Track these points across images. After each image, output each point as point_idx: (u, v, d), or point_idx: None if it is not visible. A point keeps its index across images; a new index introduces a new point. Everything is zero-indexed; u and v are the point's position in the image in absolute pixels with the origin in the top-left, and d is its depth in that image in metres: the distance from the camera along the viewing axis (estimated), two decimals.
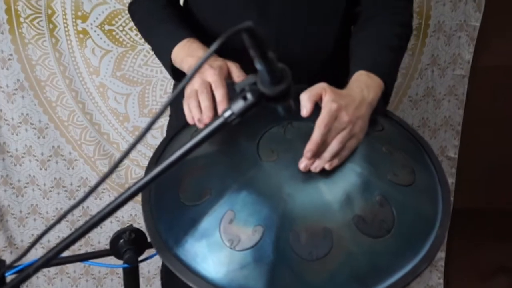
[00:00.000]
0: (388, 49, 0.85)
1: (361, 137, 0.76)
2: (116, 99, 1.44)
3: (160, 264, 1.52)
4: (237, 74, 0.80)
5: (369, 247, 0.68)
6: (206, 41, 0.87)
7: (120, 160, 0.55)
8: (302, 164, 0.73)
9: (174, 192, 0.75)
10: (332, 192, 0.71)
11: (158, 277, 1.58)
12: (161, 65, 1.41)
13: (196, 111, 0.77)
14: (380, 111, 0.85)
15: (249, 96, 0.51)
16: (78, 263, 0.93)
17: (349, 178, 0.73)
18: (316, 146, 0.72)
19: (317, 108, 0.74)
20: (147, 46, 1.39)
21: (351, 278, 0.67)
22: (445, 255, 1.71)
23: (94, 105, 1.45)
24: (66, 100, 1.44)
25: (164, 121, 1.36)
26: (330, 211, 0.69)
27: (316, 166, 0.73)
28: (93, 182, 1.53)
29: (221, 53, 0.82)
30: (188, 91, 0.80)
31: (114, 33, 1.37)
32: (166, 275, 1.15)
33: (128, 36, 1.38)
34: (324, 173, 0.73)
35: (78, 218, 1.56)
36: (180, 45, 0.88)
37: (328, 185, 0.72)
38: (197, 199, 0.72)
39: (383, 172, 0.74)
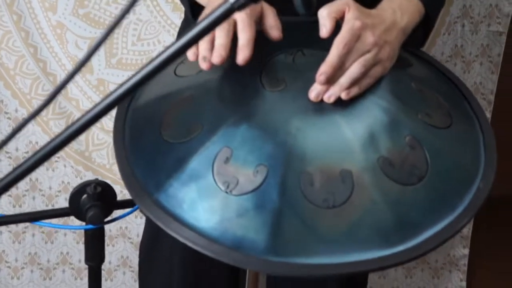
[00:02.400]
0: None
1: (387, 66, 0.75)
2: (77, 43, 1.41)
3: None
4: (272, 21, 0.76)
5: (397, 196, 0.68)
6: None
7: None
8: (314, 92, 0.72)
9: (155, 128, 0.74)
10: (352, 127, 0.70)
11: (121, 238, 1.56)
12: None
13: (206, 46, 0.73)
14: (416, 43, 0.84)
15: None
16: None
17: (373, 113, 0.72)
18: (332, 68, 0.70)
19: (339, 30, 0.73)
20: None
21: (373, 233, 0.66)
22: (469, 252, 1.72)
23: (48, 50, 1.42)
24: (13, 42, 1.40)
25: None
26: (350, 150, 0.68)
27: (331, 94, 0.72)
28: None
29: None
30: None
31: None
32: (149, 238, 1.12)
33: None
34: (341, 105, 0.72)
35: (24, 192, 1.53)
36: None
37: (347, 119, 0.71)
38: (184, 136, 0.71)
39: (413, 110, 0.74)
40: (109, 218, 0.84)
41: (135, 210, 0.84)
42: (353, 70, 0.72)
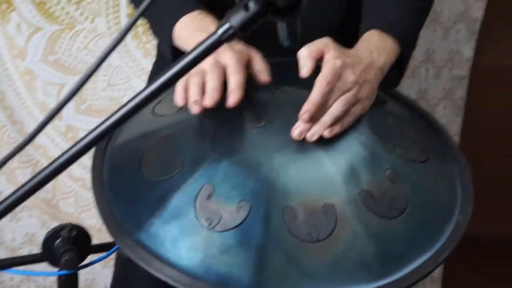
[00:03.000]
0: (406, 5, 0.86)
1: (367, 105, 0.77)
2: (46, 90, 1.40)
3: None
4: (260, 65, 0.77)
5: (379, 229, 0.68)
6: (217, 15, 0.84)
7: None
8: (297, 130, 0.72)
9: (134, 167, 0.74)
10: (333, 162, 0.71)
11: None
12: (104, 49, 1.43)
13: (196, 90, 0.74)
14: (392, 82, 0.86)
15: (252, 5, 0.51)
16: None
17: (353, 147, 0.73)
18: (315, 106, 0.72)
19: (318, 71, 0.74)
20: (88, 26, 1.38)
21: (357, 265, 0.66)
22: None
23: (16, 97, 1.40)
24: None
25: None
26: (332, 184, 0.69)
27: (314, 133, 0.73)
28: None
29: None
30: (193, 70, 0.77)
31: (47, 6, 1.34)
32: (120, 277, 1.10)
33: (65, 10, 1.36)
34: (322, 141, 0.73)
35: None
36: (188, 17, 0.84)
37: (328, 154, 0.72)
38: (165, 173, 0.71)
39: (391, 144, 0.75)
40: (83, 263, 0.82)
41: (110, 254, 0.82)
42: (336, 108, 0.73)
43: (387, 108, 0.84)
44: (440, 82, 1.62)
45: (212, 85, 0.74)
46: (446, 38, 1.57)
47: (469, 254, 1.70)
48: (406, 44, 0.85)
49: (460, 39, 1.57)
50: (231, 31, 0.50)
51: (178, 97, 0.76)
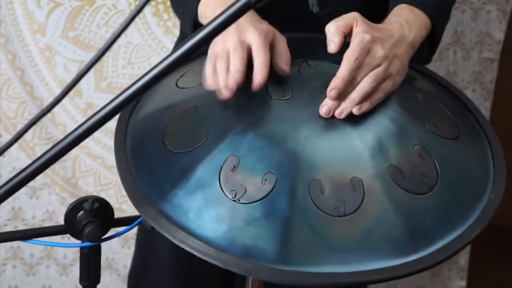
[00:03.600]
0: None
1: (398, 81, 0.76)
2: (66, 67, 1.41)
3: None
4: (282, 53, 0.76)
5: (408, 205, 0.68)
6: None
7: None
8: (325, 107, 0.72)
9: (158, 139, 0.74)
10: (360, 136, 0.71)
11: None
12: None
13: (224, 75, 0.73)
14: (424, 58, 0.85)
15: None
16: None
17: (381, 122, 0.73)
18: (343, 83, 0.71)
19: (346, 47, 0.74)
20: (109, 2, 1.38)
21: (385, 241, 0.66)
22: (466, 284, 1.71)
23: (36, 73, 1.41)
24: None
25: None
26: (360, 158, 0.69)
27: (342, 110, 0.72)
28: None
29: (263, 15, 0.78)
30: (216, 48, 0.76)
31: None
32: (137, 270, 1.11)
33: None
34: (350, 116, 0.73)
35: (6, 222, 1.50)
36: None
37: (355, 128, 0.72)
38: (189, 145, 0.72)
39: (420, 120, 0.75)
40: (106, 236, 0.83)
41: (133, 226, 0.83)
42: (365, 84, 0.73)
43: (417, 85, 0.83)
44: (469, 65, 1.60)
45: (235, 67, 0.73)
46: (475, 20, 1.55)
47: (495, 244, 1.69)
48: (438, 19, 0.83)
49: (491, 20, 1.55)
50: None
51: (209, 81, 0.76)
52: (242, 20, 0.77)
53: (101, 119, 0.58)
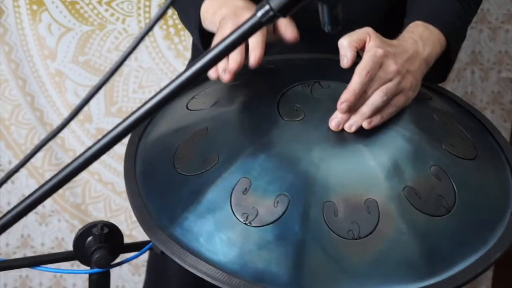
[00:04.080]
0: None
1: (410, 96, 0.77)
2: (76, 92, 1.44)
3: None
4: (285, 25, 0.79)
5: (425, 227, 0.68)
6: None
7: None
8: (334, 120, 0.73)
9: (168, 162, 0.74)
10: (375, 157, 0.71)
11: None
12: (136, 50, 1.45)
13: (223, 60, 0.76)
14: (439, 77, 0.85)
15: None
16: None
17: (396, 142, 0.73)
18: (354, 96, 0.72)
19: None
20: (119, 26, 1.41)
21: (401, 264, 0.66)
22: None
23: (46, 99, 1.44)
24: (9, 90, 1.42)
25: None
26: (374, 179, 0.69)
27: (352, 124, 0.73)
28: None
29: None
30: (217, 38, 0.79)
31: (78, 6, 1.38)
32: (155, 274, 1.11)
33: (95, 11, 1.39)
34: (363, 135, 0.73)
35: (15, 250, 1.51)
36: None
37: (369, 148, 0.72)
38: (199, 168, 0.72)
39: (437, 140, 0.75)
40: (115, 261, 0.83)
41: (143, 252, 0.83)
42: (375, 98, 0.73)
43: (433, 104, 0.83)
44: (488, 85, 1.60)
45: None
46: (493, 39, 1.56)
47: None
48: (453, 36, 0.84)
49: (509, 39, 1.55)
50: (270, 14, 0.51)
51: (211, 71, 0.78)
52: (240, 3, 0.81)
53: (110, 142, 0.59)
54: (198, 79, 0.81)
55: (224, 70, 0.76)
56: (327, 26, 0.62)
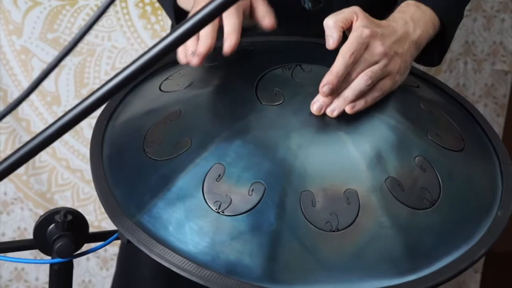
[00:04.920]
0: None
1: (398, 80, 0.77)
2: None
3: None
4: (263, 10, 0.79)
5: (407, 220, 0.68)
6: None
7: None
8: (316, 104, 0.73)
9: (137, 146, 0.74)
10: (357, 145, 0.71)
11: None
12: (110, 29, 1.44)
13: (192, 42, 0.76)
14: (432, 60, 0.85)
15: None
16: None
17: (380, 131, 0.73)
18: (337, 78, 0.72)
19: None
20: (92, 2, 1.39)
21: (381, 258, 0.66)
22: None
23: (10, 78, 1.42)
24: None
25: None
26: (355, 169, 0.69)
27: (335, 108, 0.73)
28: (0, 188, 1.48)
29: None
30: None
31: None
32: (125, 264, 1.11)
33: None
34: (346, 122, 0.73)
35: None
36: None
37: (351, 136, 0.72)
38: (170, 152, 0.72)
39: (423, 130, 0.75)
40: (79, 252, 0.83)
41: (110, 242, 0.83)
42: (359, 81, 0.73)
43: (419, 93, 0.84)
44: (481, 77, 1.61)
45: (204, 32, 0.75)
46: (488, 29, 1.57)
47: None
48: (447, 17, 0.84)
49: (505, 29, 1.56)
50: None
51: (180, 54, 0.78)
52: None
53: (74, 118, 0.58)
54: (170, 58, 0.81)
55: (193, 53, 0.75)
56: (308, 3, 0.61)
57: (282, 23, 0.82)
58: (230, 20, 0.76)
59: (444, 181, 0.72)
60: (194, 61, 0.76)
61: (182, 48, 0.77)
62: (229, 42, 0.75)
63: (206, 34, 0.75)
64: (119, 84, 0.55)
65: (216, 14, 0.51)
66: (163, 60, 0.90)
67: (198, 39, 0.76)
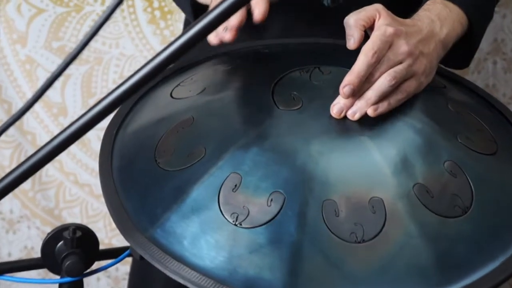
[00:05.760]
0: None
1: (423, 82, 0.76)
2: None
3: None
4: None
5: (437, 230, 0.68)
6: None
7: None
8: (336, 106, 0.73)
9: (149, 156, 0.74)
10: (381, 150, 0.71)
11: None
12: (118, 36, 1.45)
13: (224, 23, 0.76)
14: (460, 62, 0.85)
15: None
16: None
17: (405, 134, 0.73)
18: (358, 78, 0.71)
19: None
20: (98, 8, 1.41)
21: (411, 271, 0.66)
22: None
23: (15, 89, 1.44)
24: None
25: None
26: (381, 175, 0.69)
27: (356, 110, 0.72)
28: (6, 205, 1.49)
29: None
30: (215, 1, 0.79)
31: None
32: (137, 280, 1.11)
33: None
34: (369, 126, 0.73)
35: None
36: None
37: (375, 141, 0.72)
38: (184, 162, 0.72)
39: (452, 132, 0.75)
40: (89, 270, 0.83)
41: (121, 259, 0.83)
42: (383, 82, 0.73)
43: (447, 93, 0.83)
44: (511, 77, 1.60)
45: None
46: None
47: None
48: (476, 15, 0.83)
49: None
50: None
51: (210, 36, 0.79)
52: None
53: (83, 126, 0.58)
54: (181, 63, 0.80)
55: (226, 29, 0.76)
56: (327, 1, 0.61)
57: (299, 23, 0.82)
58: (260, 5, 0.76)
59: (477, 187, 0.71)
60: (228, 36, 0.77)
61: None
62: (259, 9, 0.76)
63: (236, 13, 0.76)
64: (128, 91, 0.55)
65: (239, 5, 0.50)
66: (174, 66, 0.91)
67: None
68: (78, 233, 0.81)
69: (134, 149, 0.78)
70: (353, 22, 0.74)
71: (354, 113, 0.73)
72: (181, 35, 0.53)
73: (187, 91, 0.81)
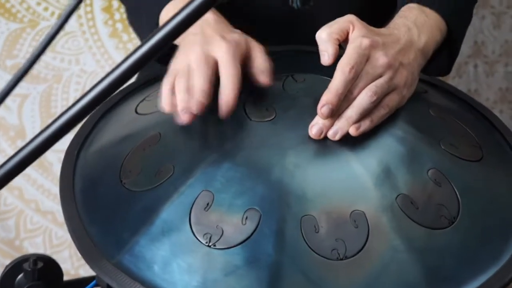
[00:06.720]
0: None
1: (406, 95, 0.76)
2: (5, 102, 1.42)
3: None
4: (260, 62, 0.76)
5: (424, 242, 0.68)
6: None
7: None
8: (315, 127, 0.72)
9: (113, 176, 0.74)
10: (362, 161, 0.71)
11: None
12: (77, 51, 1.45)
13: (183, 96, 0.73)
14: (440, 68, 0.85)
15: None
16: None
17: (387, 144, 0.73)
18: (337, 97, 0.71)
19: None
20: (55, 22, 1.39)
21: (398, 287, 0.65)
22: None
23: None
24: None
25: None
26: (362, 188, 0.69)
27: (337, 130, 0.72)
28: None
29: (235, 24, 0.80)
30: (177, 64, 0.76)
31: (2, 0, 1.37)
32: None
33: (25, 5, 1.39)
34: (347, 136, 0.73)
35: None
36: (172, 4, 0.84)
37: (356, 152, 0.72)
38: (151, 182, 0.71)
39: (434, 139, 0.75)
40: None
41: None
42: (363, 98, 0.72)
43: (428, 98, 0.84)
44: (494, 81, 1.62)
45: (198, 86, 0.73)
46: (498, 27, 1.58)
47: None
48: (455, 20, 0.84)
49: None
50: None
51: (164, 101, 0.76)
52: (210, 30, 0.78)
53: (40, 147, 0.57)
54: (147, 77, 0.80)
55: (185, 109, 0.72)
56: (296, 1, 0.61)
57: (267, 30, 0.81)
58: (228, 71, 0.73)
59: (463, 196, 0.71)
60: (184, 118, 0.73)
61: (168, 95, 0.75)
62: (225, 99, 0.72)
63: (199, 89, 0.73)
64: (90, 104, 0.54)
65: (195, 17, 0.50)
66: (138, 80, 0.91)
67: (188, 92, 0.73)
68: (40, 264, 0.81)
69: (98, 169, 0.77)
70: (326, 36, 0.74)
71: (335, 134, 0.72)
72: (144, 42, 0.52)
73: (153, 106, 0.81)
